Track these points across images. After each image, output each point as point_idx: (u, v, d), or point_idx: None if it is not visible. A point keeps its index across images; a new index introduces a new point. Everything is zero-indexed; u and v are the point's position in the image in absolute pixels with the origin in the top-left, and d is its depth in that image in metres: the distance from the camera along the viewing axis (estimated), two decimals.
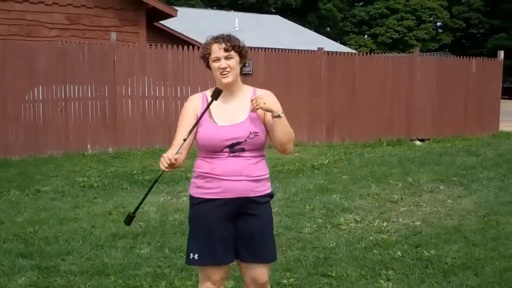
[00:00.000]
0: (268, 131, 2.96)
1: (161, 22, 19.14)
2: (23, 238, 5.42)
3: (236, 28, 28.04)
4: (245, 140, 2.87)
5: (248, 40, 14.87)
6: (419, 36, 56.90)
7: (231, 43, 2.90)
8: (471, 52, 23.57)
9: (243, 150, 2.88)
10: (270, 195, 3.05)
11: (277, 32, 29.54)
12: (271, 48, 13.13)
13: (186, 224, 5.84)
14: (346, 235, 5.61)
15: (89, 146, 11.01)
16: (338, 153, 11.40)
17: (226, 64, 2.88)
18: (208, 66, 2.98)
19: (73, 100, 10.86)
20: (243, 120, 2.91)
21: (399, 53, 17.47)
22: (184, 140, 2.85)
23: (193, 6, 42.66)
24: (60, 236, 5.48)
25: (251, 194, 2.92)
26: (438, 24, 61.30)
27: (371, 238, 5.51)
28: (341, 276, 4.41)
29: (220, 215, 2.90)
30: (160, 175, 2.90)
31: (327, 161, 10.18)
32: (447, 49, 54.86)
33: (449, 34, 59.71)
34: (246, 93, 3.03)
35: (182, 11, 19.89)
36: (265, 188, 2.99)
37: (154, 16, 15.14)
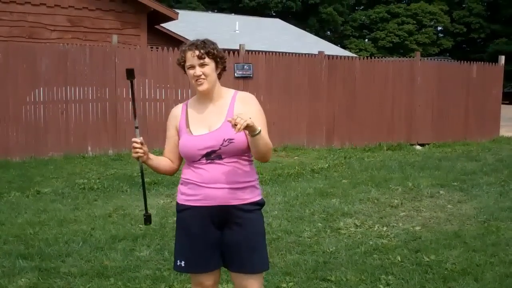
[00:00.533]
0: (247, 140, 2.83)
1: (162, 24, 19.16)
2: (23, 240, 5.43)
3: (237, 31, 28.11)
4: (220, 148, 2.80)
5: (249, 43, 14.92)
6: (420, 41, 56.95)
7: (205, 50, 2.85)
8: (472, 57, 23.61)
9: (220, 157, 2.82)
10: (259, 203, 2.94)
11: (278, 36, 29.59)
12: (272, 52, 13.13)
13: None
14: (345, 240, 5.61)
15: (89, 148, 11.01)
16: (338, 157, 11.41)
17: (201, 71, 2.83)
18: (183, 71, 2.95)
19: (74, 102, 10.87)
20: (218, 128, 2.84)
21: (399, 57, 17.49)
22: (136, 127, 2.93)
23: (194, 9, 42.71)
24: (60, 238, 5.49)
25: (234, 202, 2.84)
26: (439, 28, 61.34)
27: (370, 242, 5.51)
28: (340, 281, 4.41)
29: (203, 222, 2.86)
30: (141, 167, 2.99)
31: (327, 165, 10.18)
32: (447, 54, 54.87)
33: (450, 38, 59.74)
34: (225, 98, 2.97)
35: (182, 14, 19.91)
36: (251, 196, 2.90)
37: (155, 18, 15.17)
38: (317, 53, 13.29)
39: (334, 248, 5.29)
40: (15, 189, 7.71)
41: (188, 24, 25.11)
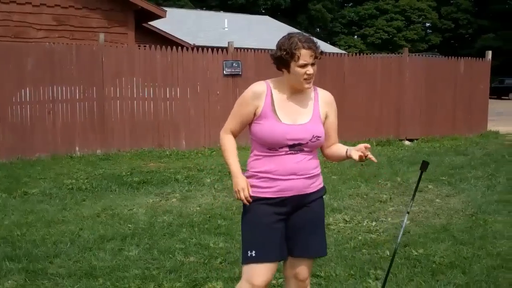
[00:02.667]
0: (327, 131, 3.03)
1: (150, 22, 19.10)
2: (10, 241, 5.38)
3: (226, 29, 28.06)
4: (307, 143, 2.87)
5: (238, 41, 14.90)
6: (408, 37, 57.18)
7: (319, 52, 2.86)
8: (460, 53, 23.68)
9: (302, 150, 2.89)
10: (324, 189, 3.08)
11: (267, 33, 29.54)
12: (261, 49, 13.12)
13: (175, 225, 5.88)
14: (335, 235, 5.61)
15: (77, 148, 10.95)
16: None
17: (312, 70, 2.85)
18: (281, 66, 2.89)
19: (61, 101, 10.80)
20: (307, 122, 2.90)
21: (388, 53, 17.50)
22: (408, 213, 3.14)
23: (182, 6, 42.53)
24: (47, 239, 5.45)
25: (308, 191, 2.94)
26: (427, 24, 61.62)
27: (360, 237, 5.52)
28: (330, 276, 4.41)
29: (277, 212, 2.91)
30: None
31: None
32: (436, 50, 55.09)
33: (438, 34, 60.01)
34: (307, 93, 2.99)
35: (171, 11, 19.85)
36: (318, 183, 3.02)
37: (143, 17, 15.10)
38: None
39: None
40: (1, 190, 7.64)
41: (176, 22, 25.04)
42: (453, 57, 15.12)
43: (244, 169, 3.00)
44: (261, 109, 2.89)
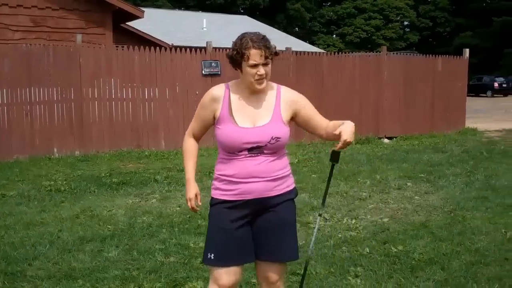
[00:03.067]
0: (303, 126, 3.04)
1: (128, 23, 19.00)
2: None
3: (204, 29, 28.00)
4: (266, 145, 2.82)
5: (216, 40, 14.87)
6: (387, 35, 57.55)
7: (271, 50, 2.80)
8: (438, 51, 23.90)
9: (262, 152, 2.84)
10: (292, 192, 3.00)
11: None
12: None
13: (155, 226, 5.87)
14: None
15: (55, 150, 10.85)
16: (308, 152, 11.46)
17: (264, 71, 2.79)
18: (235, 65, 2.86)
19: (39, 103, 10.69)
20: (266, 123, 2.85)
21: (366, 52, 17.62)
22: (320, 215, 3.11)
23: (160, 7, 42.38)
24: (26, 241, 5.40)
25: (270, 194, 2.88)
26: (405, 23, 62.06)
27: (339, 235, 5.55)
28: (310, 274, 4.42)
29: (238, 216, 2.88)
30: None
31: (296, 160, 10.21)
32: (414, 48, 55.48)
33: (416, 33, 60.50)
34: (269, 94, 2.93)
35: (149, 12, 19.77)
36: (285, 185, 2.95)
37: (121, 17, 15.01)
38: (285, 49, 13.31)
39: (303, 242, 5.30)
40: None
41: (154, 22, 24.92)
42: (431, 55, 15.27)
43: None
44: (219, 113, 2.87)
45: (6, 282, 4.34)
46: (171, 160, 10.49)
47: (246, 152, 2.82)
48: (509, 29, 47.27)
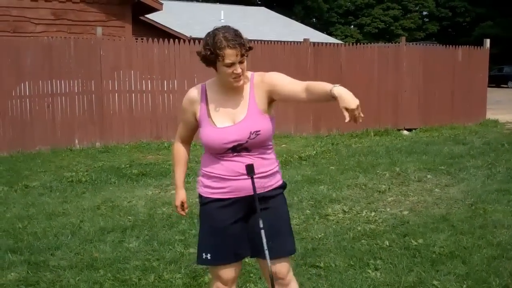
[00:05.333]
0: (285, 100, 2.92)
1: (147, 15, 19.07)
2: (12, 234, 5.42)
3: (222, 21, 27.97)
4: (247, 142, 2.75)
5: None
6: (405, 26, 57.05)
7: (246, 47, 2.72)
8: (458, 41, 23.62)
9: (247, 150, 2.77)
10: (282, 187, 2.95)
11: (263, 24, 29.50)
12: (257, 40, 13.08)
13: (174, 217, 5.90)
14: (334, 226, 5.63)
15: (76, 141, 10.96)
16: (326, 144, 11.44)
17: (240, 69, 2.72)
18: (208, 64, 2.78)
19: (60, 95, 10.80)
20: (242, 119, 2.76)
21: (385, 43, 17.47)
22: (262, 229, 2.77)
23: None
24: (49, 231, 5.48)
25: (260, 191, 2.80)
26: (424, 13, 61.45)
27: (359, 228, 5.54)
28: (329, 267, 4.44)
29: (231, 214, 2.83)
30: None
31: (314, 152, 10.20)
32: (433, 38, 55.02)
33: (436, 23, 59.87)
34: (245, 86, 2.84)
35: (167, 4, 19.80)
36: (274, 181, 2.89)
37: (140, 9, 15.08)
38: (302, 40, 13.27)
39: (322, 234, 5.31)
40: (3, 183, 7.68)
41: (173, 14, 24.98)
42: (451, 45, 15.09)
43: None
44: (198, 115, 2.83)
45: (29, 272, 4.42)
46: (190, 152, 10.50)
47: (230, 152, 2.76)
48: None
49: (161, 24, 21.99)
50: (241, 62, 2.71)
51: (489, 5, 54.36)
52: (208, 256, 2.87)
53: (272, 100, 2.86)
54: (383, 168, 8.63)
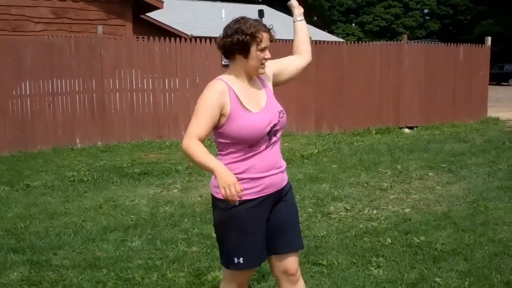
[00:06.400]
0: (286, 72, 3.09)
1: (148, 14, 19.06)
2: (14, 234, 5.42)
3: (223, 19, 27.95)
4: (278, 121, 2.79)
5: None
6: (407, 24, 56.98)
7: (274, 34, 2.82)
8: (459, 39, 23.57)
9: (276, 133, 2.79)
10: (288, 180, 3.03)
11: (264, 22, 29.43)
12: None
13: (177, 216, 5.90)
14: (336, 224, 5.64)
15: (77, 140, 10.97)
16: (327, 142, 11.44)
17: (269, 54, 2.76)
18: (240, 49, 2.70)
19: (61, 94, 10.80)
20: (266, 103, 2.80)
21: (386, 41, 17.42)
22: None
23: None
24: (51, 231, 5.48)
25: (282, 184, 2.87)
26: (425, 11, 61.35)
27: (361, 226, 5.54)
28: (332, 264, 4.44)
29: (261, 213, 2.79)
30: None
31: (316, 150, 10.20)
32: (434, 36, 54.92)
33: (437, 21, 59.78)
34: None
35: (168, 2, 19.77)
36: (286, 176, 2.99)
37: (140, 8, 15.08)
38: None
39: (325, 232, 5.32)
40: (4, 183, 7.68)
41: (174, 13, 24.96)
42: (452, 43, 15.07)
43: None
44: (229, 108, 2.69)
45: (32, 271, 4.42)
46: None
47: (266, 140, 2.74)
48: None
49: (162, 23, 22.00)
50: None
51: (490, 3, 54.25)
52: (241, 260, 2.79)
53: (275, 85, 3.00)
54: (385, 166, 8.63)
